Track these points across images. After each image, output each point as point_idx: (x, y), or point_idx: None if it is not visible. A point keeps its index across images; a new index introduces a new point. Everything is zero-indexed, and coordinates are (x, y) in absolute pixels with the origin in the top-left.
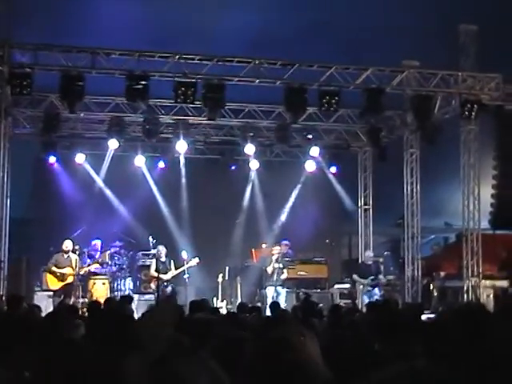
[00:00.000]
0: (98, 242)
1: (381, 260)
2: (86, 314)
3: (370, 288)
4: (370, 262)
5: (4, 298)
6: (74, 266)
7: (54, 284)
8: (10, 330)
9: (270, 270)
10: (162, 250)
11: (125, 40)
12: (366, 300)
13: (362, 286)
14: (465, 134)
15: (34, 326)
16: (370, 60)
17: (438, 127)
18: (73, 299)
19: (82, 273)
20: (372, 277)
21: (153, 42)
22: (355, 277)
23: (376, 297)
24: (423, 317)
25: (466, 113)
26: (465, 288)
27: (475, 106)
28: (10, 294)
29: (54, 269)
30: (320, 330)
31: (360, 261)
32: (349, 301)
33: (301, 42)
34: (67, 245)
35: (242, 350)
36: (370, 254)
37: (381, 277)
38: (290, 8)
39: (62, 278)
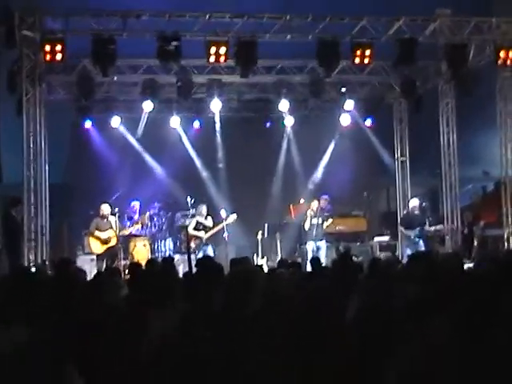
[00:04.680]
0: (136, 204)
1: (424, 204)
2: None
3: (416, 239)
4: (416, 212)
5: (47, 263)
6: (114, 229)
7: (97, 248)
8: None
9: (306, 225)
10: (204, 209)
11: (153, 0)
12: (409, 252)
13: (411, 237)
14: (500, 81)
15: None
16: (401, 9)
17: (473, 76)
18: (115, 261)
19: (125, 234)
20: (419, 227)
21: (182, 1)
22: (402, 229)
23: (422, 249)
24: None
25: (502, 59)
26: (505, 236)
27: (510, 52)
28: (59, 257)
29: (96, 233)
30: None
31: (405, 212)
32: (389, 253)
33: None
34: (104, 209)
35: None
36: (416, 202)
37: (426, 227)
38: None
39: (105, 241)
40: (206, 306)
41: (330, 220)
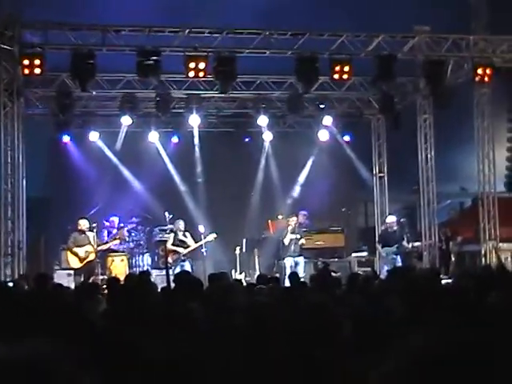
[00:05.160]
0: (115, 219)
1: (402, 220)
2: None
3: (394, 256)
4: (395, 228)
5: (25, 277)
6: (93, 244)
7: (75, 263)
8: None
9: (286, 241)
10: (181, 224)
11: (134, 13)
12: (386, 269)
13: (385, 254)
14: (478, 98)
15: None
16: (380, 26)
17: (451, 92)
18: (93, 277)
19: (104, 248)
20: (397, 244)
21: (162, 15)
22: (379, 248)
23: (399, 265)
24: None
25: (479, 76)
26: (482, 252)
27: (488, 69)
28: (38, 272)
29: (75, 248)
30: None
31: (383, 228)
32: (367, 268)
33: (310, 10)
34: (83, 224)
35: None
36: (393, 219)
37: (405, 244)
38: None
39: (83, 256)
40: (186, 321)
41: (302, 240)
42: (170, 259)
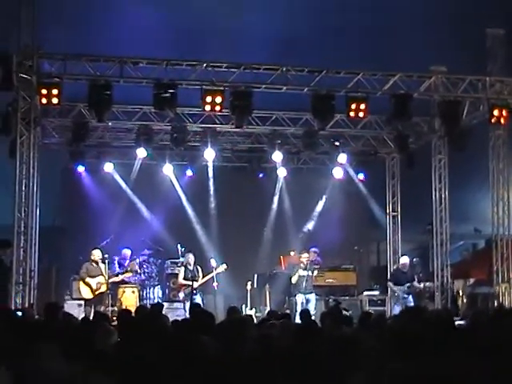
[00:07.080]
0: (127, 252)
1: (414, 260)
2: (116, 322)
3: (405, 295)
4: (405, 270)
5: (35, 307)
6: (104, 275)
7: (86, 293)
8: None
9: (294, 279)
10: (191, 257)
11: (152, 47)
12: (398, 309)
13: (396, 294)
14: (493, 140)
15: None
16: (397, 66)
17: (467, 133)
18: (103, 307)
19: (116, 280)
20: (408, 284)
21: (179, 49)
22: (390, 285)
23: (411, 304)
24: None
25: (495, 118)
26: (495, 294)
27: (504, 110)
28: (48, 302)
29: (87, 279)
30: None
31: (395, 267)
32: (379, 308)
33: (327, 49)
34: (96, 254)
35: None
36: (406, 260)
37: (415, 283)
38: (316, 12)
39: (95, 287)
40: (200, 353)
41: (316, 272)
42: (181, 293)
